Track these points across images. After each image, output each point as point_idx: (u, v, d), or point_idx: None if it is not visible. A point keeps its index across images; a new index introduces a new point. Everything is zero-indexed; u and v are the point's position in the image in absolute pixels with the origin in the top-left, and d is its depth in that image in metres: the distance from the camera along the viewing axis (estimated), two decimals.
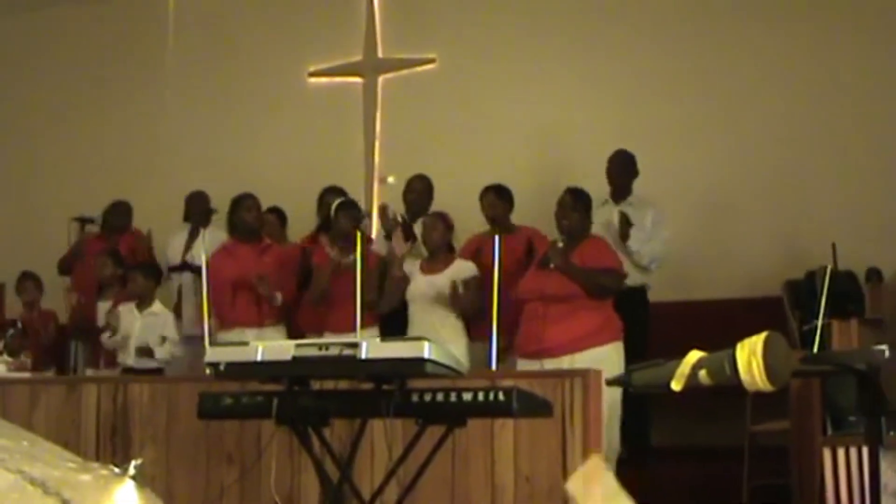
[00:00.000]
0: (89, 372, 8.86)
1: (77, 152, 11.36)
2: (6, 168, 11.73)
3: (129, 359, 8.38)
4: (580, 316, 7.12)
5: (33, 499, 1.23)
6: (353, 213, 8.34)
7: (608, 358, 6.86)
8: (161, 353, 8.38)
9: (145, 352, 8.34)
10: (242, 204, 8.57)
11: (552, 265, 7.21)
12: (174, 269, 9.42)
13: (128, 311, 8.56)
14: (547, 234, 7.85)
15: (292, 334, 8.13)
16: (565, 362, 6.96)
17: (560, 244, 7.32)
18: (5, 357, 8.35)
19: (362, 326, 7.60)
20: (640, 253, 8.10)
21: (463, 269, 7.91)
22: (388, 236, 8.58)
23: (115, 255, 9.07)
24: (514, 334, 7.29)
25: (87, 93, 11.46)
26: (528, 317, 7.14)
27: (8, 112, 11.77)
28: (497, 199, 8.34)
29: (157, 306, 8.63)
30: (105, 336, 8.56)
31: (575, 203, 7.52)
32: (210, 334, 7.32)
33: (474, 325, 7.79)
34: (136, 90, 11.20)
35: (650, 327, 8.08)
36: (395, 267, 8.11)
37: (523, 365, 7.13)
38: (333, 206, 8.43)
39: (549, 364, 6.98)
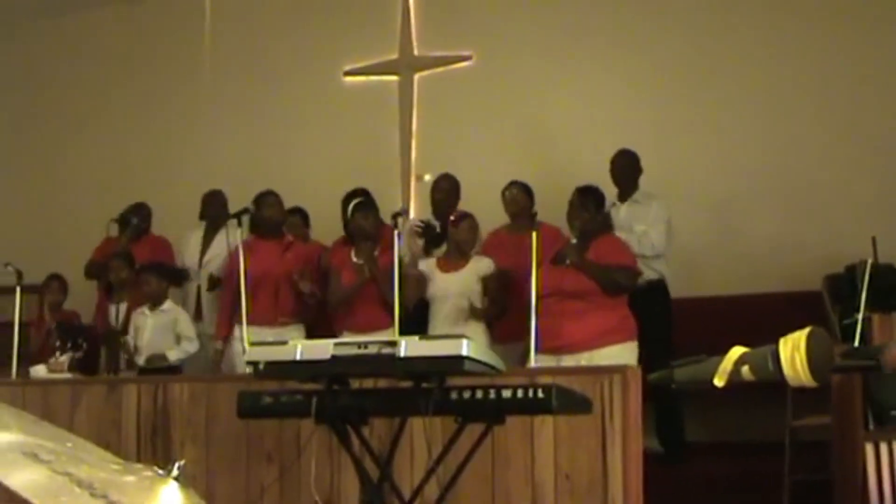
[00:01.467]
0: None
1: (109, 155, 11.41)
2: (39, 172, 11.80)
3: (142, 362, 8.40)
4: (597, 313, 7.14)
5: (81, 500, 1.24)
6: (369, 213, 8.32)
7: (625, 356, 6.86)
8: (174, 355, 8.39)
9: (158, 358, 8.34)
10: (265, 201, 8.57)
11: (568, 261, 7.22)
12: (186, 273, 9.43)
13: (139, 314, 8.58)
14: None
15: (312, 334, 8.11)
16: (583, 359, 6.99)
17: (573, 241, 7.33)
18: (58, 358, 8.36)
19: (383, 326, 7.65)
20: (640, 244, 8.05)
21: (482, 266, 7.92)
22: (426, 247, 8.59)
23: (128, 257, 9.06)
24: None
25: (121, 95, 11.52)
26: (545, 313, 7.12)
27: (41, 114, 11.84)
28: (521, 193, 8.34)
29: (167, 304, 8.60)
30: (128, 345, 8.54)
31: (584, 202, 7.55)
32: (242, 334, 7.37)
33: (496, 327, 7.79)
34: (170, 91, 11.25)
35: (673, 322, 8.07)
36: (408, 265, 8.12)
37: (540, 361, 7.11)
38: (350, 208, 8.45)
39: (567, 360, 6.99)
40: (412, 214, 9.59)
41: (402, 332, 7.10)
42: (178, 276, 9.29)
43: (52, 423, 1.54)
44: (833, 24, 9.25)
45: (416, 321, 7.80)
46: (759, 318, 6.74)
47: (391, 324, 7.49)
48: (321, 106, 10.75)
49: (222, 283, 8.76)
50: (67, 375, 7.88)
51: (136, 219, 9.57)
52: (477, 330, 7.69)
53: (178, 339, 8.47)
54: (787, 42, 9.33)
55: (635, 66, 9.79)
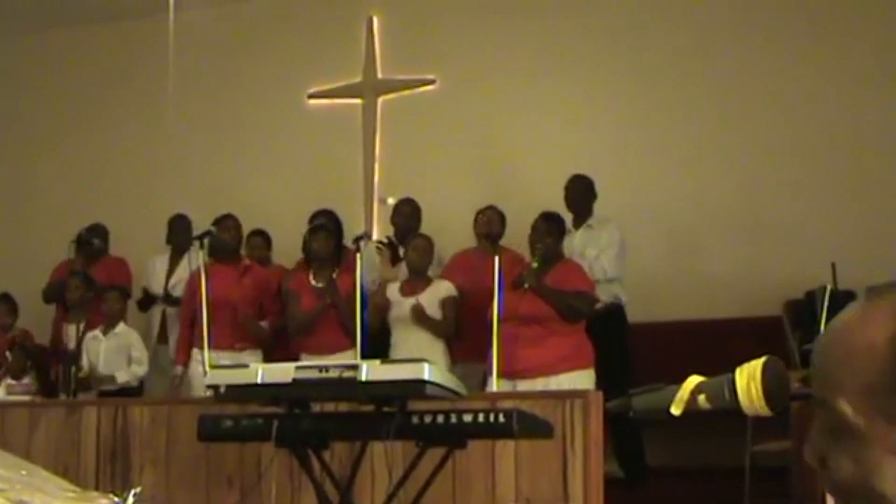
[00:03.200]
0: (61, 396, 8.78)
1: (75, 175, 11.35)
2: (4, 187, 11.72)
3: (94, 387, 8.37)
4: (553, 340, 7.17)
5: None
6: (323, 236, 8.30)
7: (581, 384, 6.89)
8: (122, 376, 8.37)
9: (106, 380, 8.32)
10: (222, 224, 8.55)
11: (526, 285, 7.24)
12: (153, 297, 9.42)
13: (92, 338, 8.55)
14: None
15: (270, 359, 8.08)
16: (539, 384, 7.01)
17: (534, 265, 7.36)
18: (8, 380, 8.32)
19: (342, 348, 7.65)
20: (591, 270, 8.06)
21: (441, 289, 7.95)
22: (392, 262, 8.59)
23: (86, 277, 9.02)
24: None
25: (87, 115, 11.47)
26: (503, 338, 7.13)
27: (6, 133, 11.78)
28: (496, 217, 8.38)
29: (120, 327, 8.59)
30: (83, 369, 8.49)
31: (549, 227, 7.57)
32: (203, 357, 7.35)
33: (455, 347, 7.83)
34: (135, 113, 11.21)
35: (631, 347, 8.10)
36: (376, 293, 8.13)
37: (497, 385, 7.12)
38: (305, 232, 8.45)
39: (522, 385, 7.01)
40: (375, 237, 9.59)
41: (366, 356, 7.11)
42: (146, 302, 9.33)
43: (8, 446, 1.54)
44: (791, 52, 9.32)
45: (379, 344, 7.80)
46: (719, 343, 6.78)
47: (350, 346, 7.50)
48: (285, 128, 10.74)
49: (181, 305, 8.76)
50: (26, 398, 7.83)
51: (97, 240, 9.53)
52: (437, 351, 7.70)
53: (128, 361, 8.44)
54: (748, 69, 9.39)
55: (598, 91, 9.84)
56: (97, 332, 8.57)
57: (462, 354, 7.77)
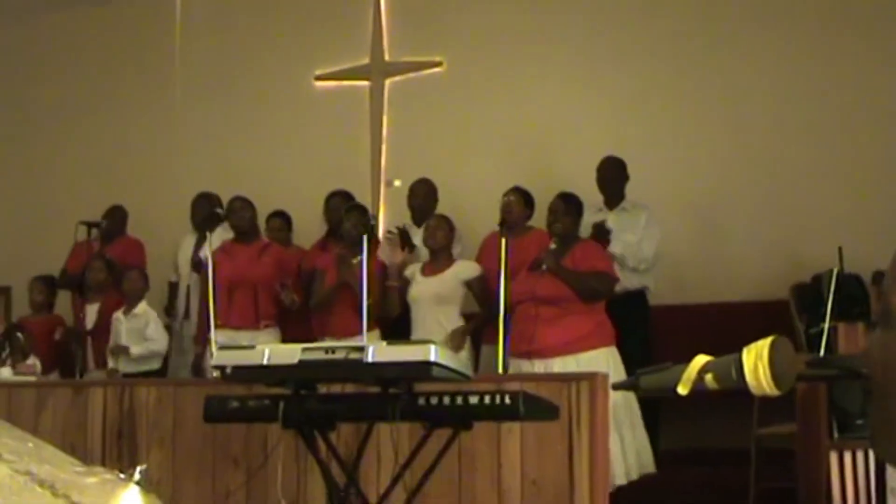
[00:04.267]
0: (96, 374, 8.84)
1: (83, 157, 11.36)
2: (13, 172, 11.73)
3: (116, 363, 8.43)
4: (571, 319, 7.14)
5: (43, 500, 1.24)
6: (362, 217, 8.32)
7: (600, 362, 6.87)
8: (137, 350, 8.41)
9: (120, 350, 8.37)
10: (232, 206, 8.59)
11: (544, 267, 7.22)
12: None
13: (115, 320, 8.62)
14: None
15: (287, 338, 8.10)
16: (556, 364, 6.97)
17: (553, 247, 7.33)
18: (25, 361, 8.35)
19: (358, 332, 7.63)
20: (624, 257, 8.04)
21: (466, 269, 7.92)
22: (403, 248, 8.57)
23: (106, 259, 9.07)
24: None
25: (94, 97, 11.46)
26: (520, 318, 7.13)
27: (16, 116, 11.78)
28: (516, 203, 8.22)
29: (140, 307, 8.65)
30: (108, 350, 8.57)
31: (567, 208, 7.53)
32: (212, 337, 7.36)
33: (481, 330, 7.80)
34: (143, 95, 11.20)
35: (651, 330, 8.09)
36: (390, 277, 8.12)
37: (513, 365, 7.13)
38: (343, 210, 8.43)
39: (540, 365, 6.99)
40: (382, 220, 9.59)
41: (389, 336, 7.12)
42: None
43: (15, 426, 1.54)
44: (807, 36, 9.29)
45: (401, 330, 7.80)
46: (725, 327, 6.78)
47: (371, 328, 7.51)
48: (292, 111, 10.73)
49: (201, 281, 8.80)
50: (33, 378, 7.86)
51: (105, 221, 9.55)
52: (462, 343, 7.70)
53: (145, 340, 8.50)
54: (760, 53, 9.37)
55: (608, 71, 9.81)
56: (119, 314, 8.64)
57: (489, 337, 7.72)
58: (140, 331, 8.54)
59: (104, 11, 11.53)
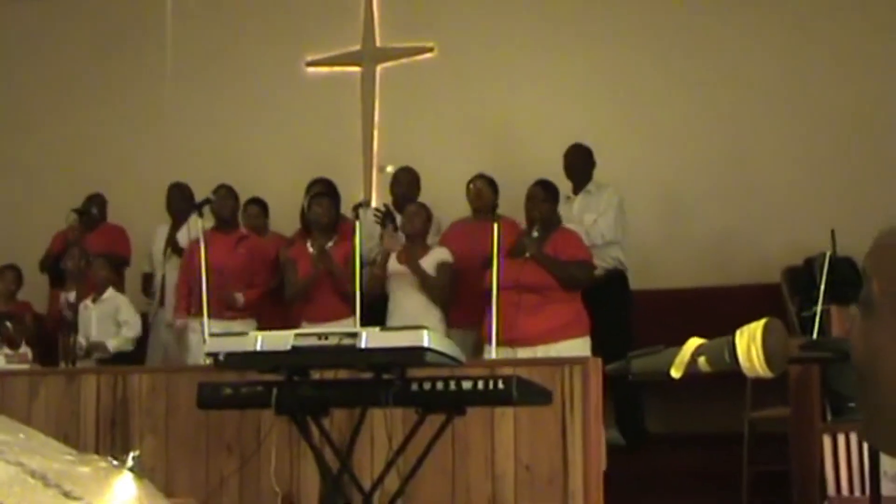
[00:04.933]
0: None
1: (71, 142, 11.31)
2: (2, 158, 11.69)
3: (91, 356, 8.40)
4: (552, 308, 7.18)
5: (34, 491, 1.23)
6: (325, 203, 8.29)
7: (578, 351, 6.90)
8: (113, 344, 8.38)
9: (97, 347, 8.33)
10: (217, 193, 8.57)
11: (528, 254, 7.23)
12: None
13: (84, 307, 8.57)
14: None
15: (263, 327, 8.08)
16: (539, 352, 7.01)
17: (535, 234, 7.34)
18: (5, 349, 8.34)
19: (339, 317, 7.64)
20: (588, 235, 8.05)
21: (439, 255, 7.93)
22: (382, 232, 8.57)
23: (81, 248, 9.04)
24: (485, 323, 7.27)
25: (83, 82, 11.42)
26: (502, 305, 7.13)
27: (4, 102, 11.73)
28: (486, 187, 8.34)
29: (108, 293, 8.63)
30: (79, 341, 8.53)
31: (546, 194, 7.57)
32: (202, 326, 7.36)
33: (452, 314, 7.82)
34: (133, 80, 11.17)
35: (631, 311, 8.11)
36: (374, 263, 8.13)
37: (496, 353, 7.13)
38: (306, 199, 8.45)
39: (522, 353, 7.01)
40: (374, 205, 9.58)
41: (363, 323, 7.11)
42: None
43: (8, 415, 1.53)
44: (793, 19, 9.29)
45: (376, 311, 7.80)
46: (719, 310, 6.77)
47: (350, 313, 7.49)
48: (283, 97, 10.71)
49: (180, 265, 8.79)
50: (26, 367, 7.85)
51: (94, 209, 9.54)
52: (433, 317, 7.70)
53: (118, 326, 8.45)
54: (747, 35, 9.37)
55: (595, 59, 9.81)
56: (87, 302, 8.62)
57: (457, 321, 7.77)
58: (110, 316, 8.51)
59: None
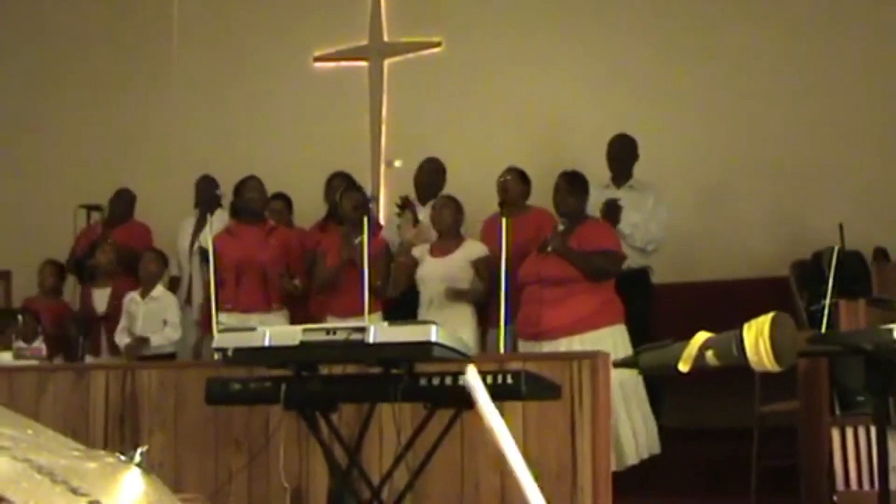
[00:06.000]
0: (89, 359, 8.81)
1: (82, 139, 11.34)
2: (11, 155, 11.71)
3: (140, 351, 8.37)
4: (577, 299, 7.11)
5: (42, 487, 1.23)
6: (357, 197, 8.30)
7: (606, 341, 6.84)
8: (157, 339, 8.36)
9: (141, 342, 8.31)
10: (246, 185, 8.53)
11: (550, 248, 7.20)
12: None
13: (131, 301, 8.53)
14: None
15: (296, 319, 8.09)
16: (563, 345, 6.96)
17: (561, 227, 7.31)
18: (20, 343, 8.33)
19: (369, 311, 7.62)
20: (633, 236, 8.04)
21: (474, 249, 7.89)
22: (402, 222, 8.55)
23: (112, 243, 9.05)
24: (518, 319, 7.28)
25: (92, 79, 11.44)
26: (527, 300, 7.14)
27: (13, 99, 11.75)
28: (517, 180, 8.26)
29: (158, 290, 8.57)
30: (119, 331, 8.52)
31: (570, 187, 7.50)
32: (216, 320, 7.34)
33: (488, 311, 7.77)
34: (141, 76, 11.19)
35: (654, 309, 8.08)
36: (401, 253, 8.11)
37: (522, 347, 7.14)
38: (338, 193, 8.42)
39: (547, 347, 6.98)
40: (382, 200, 9.58)
41: (390, 318, 7.11)
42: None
43: (17, 411, 1.53)
44: (810, 17, 9.27)
45: (406, 306, 7.79)
46: (726, 304, 6.76)
47: (376, 308, 7.50)
48: (291, 92, 10.72)
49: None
50: (35, 362, 7.85)
51: (105, 204, 9.55)
52: (466, 313, 7.68)
53: (164, 324, 8.43)
54: (761, 30, 9.35)
55: (603, 49, 9.80)
56: (135, 296, 8.55)
57: (493, 320, 7.70)
58: (158, 314, 8.46)
59: None
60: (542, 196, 8.05)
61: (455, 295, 7.71)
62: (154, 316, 8.44)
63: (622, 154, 8.46)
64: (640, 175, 8.46)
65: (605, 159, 8.44)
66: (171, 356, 8.43)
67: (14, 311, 8.88)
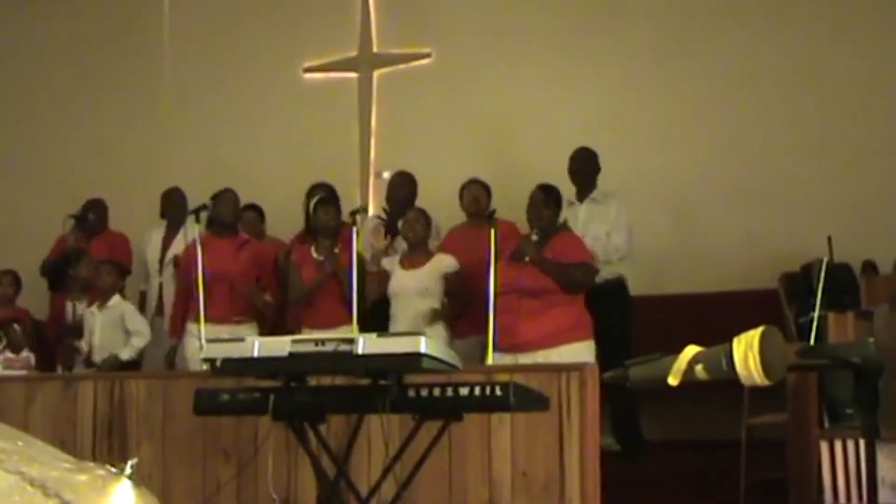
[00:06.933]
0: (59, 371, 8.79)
1: (68, 148, 11.32)
2: None
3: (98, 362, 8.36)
4: (555, 311, 7.13)
5: (34, 500, 1.23)
6: (331, 209, 8.29)
7: (581, 355, 6.86)
8: (126, 353, 8.34)
9: (111, 359, 8.28)
10: (221, 198, 8.52)
11: (526, 258, 7.21)
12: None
13: (89, 313, 8.53)
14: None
15: (265, 332, 8.07)
16: (539, 357, 6.97)
17: (535, 237, 7.33)
18: (7, 353, 8.31)
19: (342, 323, 7.62)
20: (593, 249, 8.01)
21: (444, 263, 7.91)
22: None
23: (90, 254, 9.04)
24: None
25: (80, 87, 11.42)
26: (503, 309, 7.12)
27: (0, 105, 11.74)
28: (481, 191, 8.33)
29: (114, 300, 8.54)
30: (81, 346, 8.51)
31: (547, 199, 7.53)
32: (199, 331, 7.34)
33: (456, 322, 7.80)
34: (129, 85, 11.17)
35: (631, 319, 8.09)
36: (371, 263, 8.13)
37: (498, 359, 7.13)
38: (312, 203, 8.43)
39: (523, 359, 6.98)
40: (371, 211, 9.58)
41: (363, 329, 7.10)
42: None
43: (5, 421, 1.53)
44: (791, 26, 9.31)
45: (378, 318, 7.79)
46: (715, 317, 6.77)
47: (349, 320, 7.48)
48: (280, 102, 10.72)
49: (177, 273, 8.76)
50: (23, 372, 7.83)
51: (92, 215, 9.53)
52: (437, 326, 7.69)
53: (126, 334, 8.42)
54: (743, 42, 9.38)
55: (593, 63, 9.83)
56: (93, 309, 8.56)
57: (462, 328, 7.75)
58: (116, 324, 8.45)
59: (90, 2, 11.49)
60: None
61: (434, 317, 7.74)
62: (113, 325, 8.43)
63: (584, 167, 8.46)
64: (608, 187, 8.46)
65: (568, 174, 8.43)
66: (135, 363, 8.41)
67: (5, 321, 8.84)
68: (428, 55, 10.33)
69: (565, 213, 7.95)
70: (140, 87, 11.03)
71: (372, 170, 10.35)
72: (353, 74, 10.65)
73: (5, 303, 9.41)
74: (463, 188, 8.38)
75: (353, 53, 10.64)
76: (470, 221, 8.27)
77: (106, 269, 8.64)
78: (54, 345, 8.99)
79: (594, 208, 8.31)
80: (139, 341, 8.43)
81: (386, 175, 9.40)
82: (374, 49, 10.60)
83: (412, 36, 10.39)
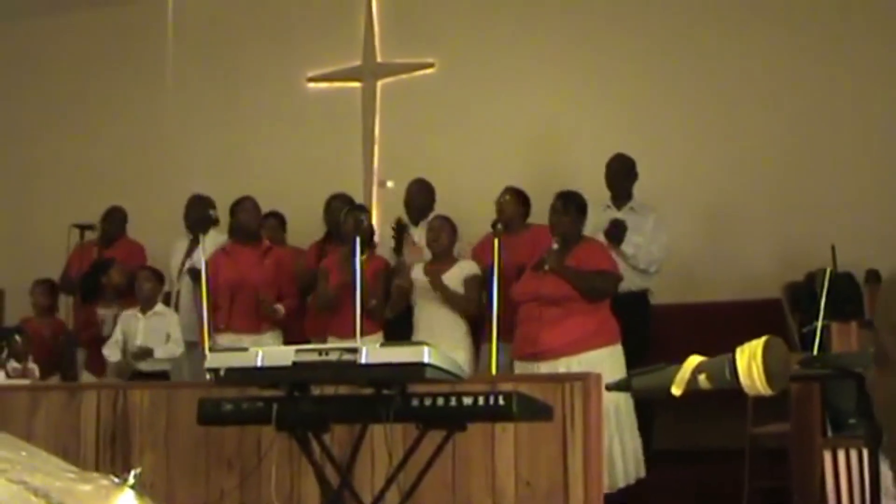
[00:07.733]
0: (86, 377, 8.79)
1: (76, 158, 11.34)
2: (5, 173, 11.71)
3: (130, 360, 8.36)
4: (575, 319, 7.12)
5: None
6: (357, 217, 8.29)
7: (604, 362, 6.85)
8: (161, 352, 8.35)
9: (145, 353, 8.30)
10: (242, 206, 8.54)
11: (546, 267, 7.21)
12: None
13: (130, 315, 8.53)
14: None
15: (291, 340, 8.08)
16: (561, 365, 6.96)
17: (555, 246, 7.32)
18: (12, 363, 8.31)
19: (366, 332, 7.60)
20: (635, 257, 8.07)
21: (466, 268, 7.92)
22: (397, 248, 8.54)
23: (119, 262, 9.07)
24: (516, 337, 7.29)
25: (87, 99, 11.45)
26: (524, 319, 7.15)
27: (7, 118, 11.75)
28: (513, 200, 8.28)
29: (160, 307, 8.59)
30: (109, 345, 8.51)
31: (565, 207, 7.52)
32: (209, 340, 7.35)
33: (482, 328, 7.77)
34: (135, 96, 11.19)
35: (651, 331, 8.08)
36: (401, 276, 8.10)
37: (519, 367, 7.14)
38: (343, 212, 8.42)
39: (545, 367, 6.98)
40: (375, 220, 9.59)
41: (392, 337, 7.12)
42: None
43: (8, 431, 1.53)
44: (809, 42, 9.29)
45: (407, 327, 7.80)
46: (718, 326, 6.78)
47: (374, 329, 7.50)
48: (284, 112, 10.74)
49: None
50: (26, 382, 7.84)
51: (98, 223, 9.53)
52: (460, 331, 7.72)
53: (167, 339, 8.42)
54: (760, 55, 9.38)
55: (598, 72, 9.83)
56: (136, 312, 8.55)
57: (484, 335, 7.69)
58: (161, 329, 8.45)
59: (98, 15, 11.52)
60: (541, 217, 8.04)
61: (438, 286, 7.71)
62: (156, 331, 8.44)
63: (621, 174, 8.47)
64: (639, 196, 8.47)
65: (604, 180, 8.45)
66: (163, 375, 8.41)
67: (8, 330, 8.84)
68: (431, 65, 10.33)
69: (602, 216, 7.95)
70: (146, 100, 11.04)
71: (376, 179, 10.35)
72: (356, 84, 10.66)
73: (41, 312, 9.40)
74: (500, 195, 8.32)
75: (357, 63, 10.65)
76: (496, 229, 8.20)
77: (144, 276, 8.67)
78: (89, 351, 8.98)
79: (633, 217, 8.27)
80: (177, 349, 8.43)
81: (390, 184, 9.41)
82: (378, 59, 10.61)
83: (416, 46, 10.40)
